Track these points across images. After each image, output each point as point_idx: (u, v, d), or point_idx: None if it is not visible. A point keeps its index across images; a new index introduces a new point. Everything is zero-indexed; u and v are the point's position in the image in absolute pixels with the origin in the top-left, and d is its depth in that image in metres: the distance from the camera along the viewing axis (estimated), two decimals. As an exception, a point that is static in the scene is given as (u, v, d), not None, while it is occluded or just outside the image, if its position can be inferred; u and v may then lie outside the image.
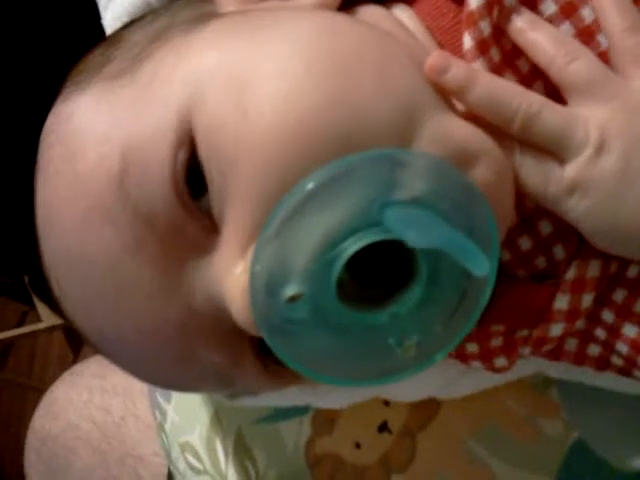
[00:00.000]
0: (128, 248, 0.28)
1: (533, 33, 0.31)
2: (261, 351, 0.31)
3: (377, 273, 0.27)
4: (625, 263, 0.32)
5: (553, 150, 0.30)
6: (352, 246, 0.25)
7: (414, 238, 0.25)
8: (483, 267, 0.26)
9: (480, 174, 0.28)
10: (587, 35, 0.31)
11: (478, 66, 0.30)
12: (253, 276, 0.26)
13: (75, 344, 1.69)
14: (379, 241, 0.26)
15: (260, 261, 0.26)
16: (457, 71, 0.29)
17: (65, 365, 1.62)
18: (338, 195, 0.26)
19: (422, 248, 0.26)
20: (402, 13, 0.34)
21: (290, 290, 0.26)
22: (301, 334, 0.27)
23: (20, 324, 1.74)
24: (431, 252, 0.26)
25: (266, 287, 0.26)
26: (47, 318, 1.53)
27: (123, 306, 0.29)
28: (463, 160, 0.28)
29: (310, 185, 0.25)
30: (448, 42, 0.33)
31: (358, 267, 0.26)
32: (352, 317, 0.27)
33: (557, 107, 0.30)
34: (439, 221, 0.26)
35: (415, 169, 0.26)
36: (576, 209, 0.29)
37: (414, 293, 0.27)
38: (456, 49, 0.32)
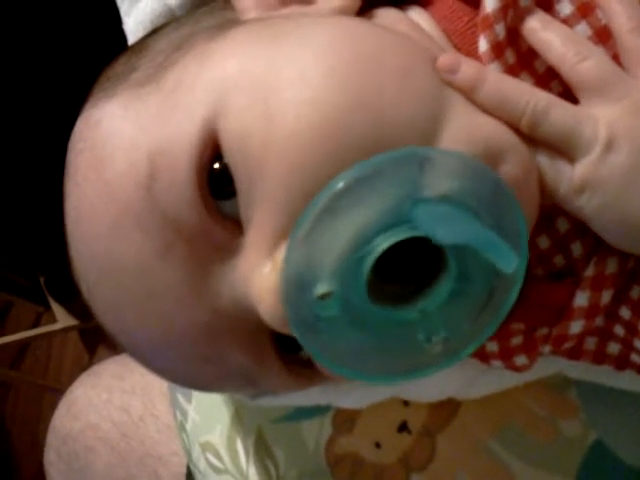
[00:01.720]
0: (157, 252, 0.29)
1: (545, 33, 0.31)
2: (283, 351, 0.32)
3: (406, 270, 0.28)
4: None
5: (562, 149, 0.30)
6: (382, 244, 0.26)
7: (442, 235, 0.26)
8: (511, 264, 0.26)
9: (508, 170, 0.28)
10: (604, 35, 0.31)
11: (493, 69, 0.31)
12: (285, 275, 0.26)
13: (90, 344, 1.70)
14: (408, 238, 0.26)
15: (292, 260, 0.26)
16: (466, 70, 0.29)
17: (80, 365, 1.63)
18: (368, 193, 0.26)
19: (451, 245, 0.26)
20: (418, 16, 0.35)
21: (321, 288, 0.26)
22: (331, 331, 0.27)
23: (35, 325, 1.76)
24: (460, 248, 0.26)
25: (297, 285, 0.26)
26: (62, 319, 1.54)
27: (152, 309, 0.30)
28: (491, 156, 0.28)
29: (340, 184, 0.26)
30: (464, 45, 0.33)
31: (387, 265, 0.26)
32: (382, 314, 0.27)
33: (566, 105, 0.30)
34: (468, 218, 0.26)
35: (443, 166, 0.26)
36: (586, 207, 0.30)
37: (443, 289, 0.27)
38: (472, 52, 0.32)
